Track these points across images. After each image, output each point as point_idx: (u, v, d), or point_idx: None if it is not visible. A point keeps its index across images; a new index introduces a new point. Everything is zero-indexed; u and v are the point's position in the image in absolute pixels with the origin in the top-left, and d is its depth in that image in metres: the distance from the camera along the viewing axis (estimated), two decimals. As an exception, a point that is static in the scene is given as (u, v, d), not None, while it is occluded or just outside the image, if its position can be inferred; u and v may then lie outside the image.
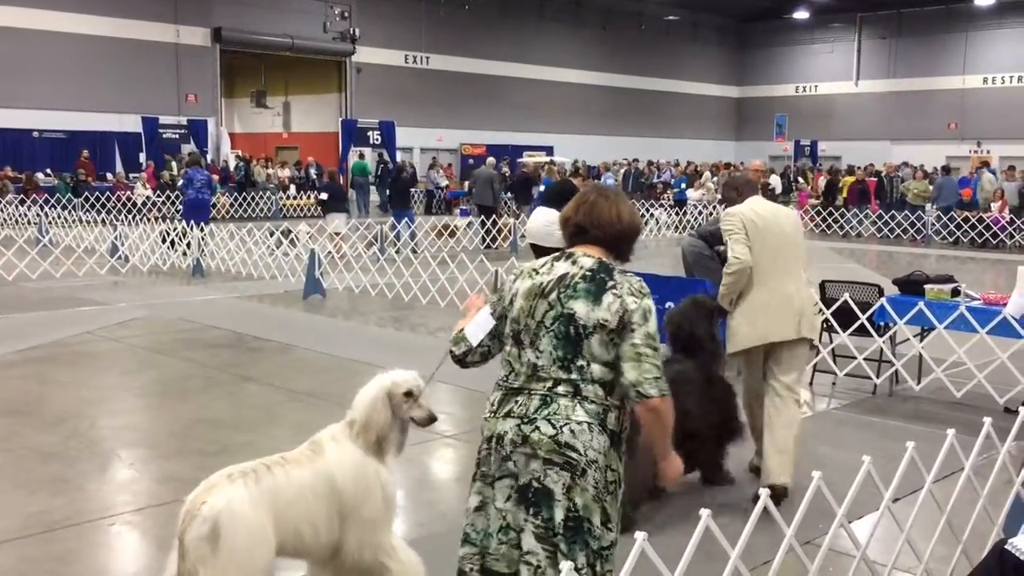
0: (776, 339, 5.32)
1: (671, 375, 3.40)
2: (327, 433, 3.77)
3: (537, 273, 3.16)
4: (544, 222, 11.31)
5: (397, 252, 16.46)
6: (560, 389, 3.02)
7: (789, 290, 5.38)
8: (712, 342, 5.64)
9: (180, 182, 20.04)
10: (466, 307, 3.45)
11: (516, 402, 3.07)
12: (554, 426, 2.98)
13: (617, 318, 2.99)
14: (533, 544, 3.04)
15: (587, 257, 3.13)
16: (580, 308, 3.02)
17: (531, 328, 3.08)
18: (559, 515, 2.99)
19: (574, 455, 2.98)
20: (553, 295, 3.07)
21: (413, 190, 25.84)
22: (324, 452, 3.69)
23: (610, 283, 3.04)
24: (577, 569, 2.93)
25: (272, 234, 16.23)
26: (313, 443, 3.75)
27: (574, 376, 3.01)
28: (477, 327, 3.26)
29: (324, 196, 18.26)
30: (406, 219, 18.75)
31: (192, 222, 15.59)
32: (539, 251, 10.94)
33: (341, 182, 20.41)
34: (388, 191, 23.20)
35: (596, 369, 3.01)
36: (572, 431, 2.97)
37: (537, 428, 3.00)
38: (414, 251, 16.73)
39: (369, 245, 17.05)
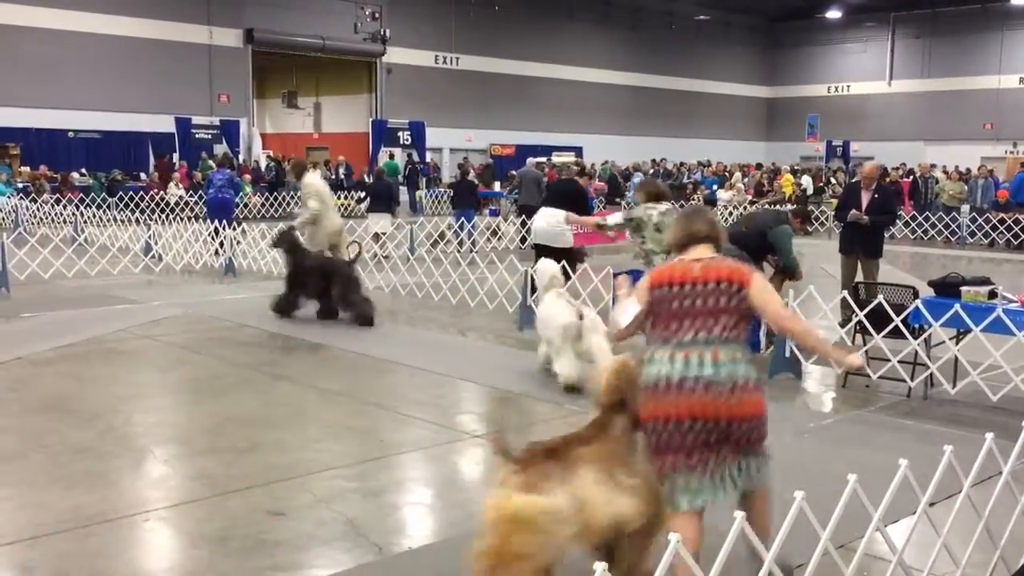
0: None
1: None
2: None
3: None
4: (551, 223, 11.27)
5: (460, 250, 16.95)
6: None
7: None
8: None
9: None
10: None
11: None
12: None
13: None
14: None
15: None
16: None
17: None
18: None
19: None
20: None
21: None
22: None
23: None
24: None
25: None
26: None
27: None
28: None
29: (362, 195, 18.31)
30: (463, 218, 18.83)
31: (217, 221, 15.77)
32: (545, 252, 10.93)
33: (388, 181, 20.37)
34: (452, 191, 23.24)
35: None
36: None
37: None
38: (465, 248, 17.01)
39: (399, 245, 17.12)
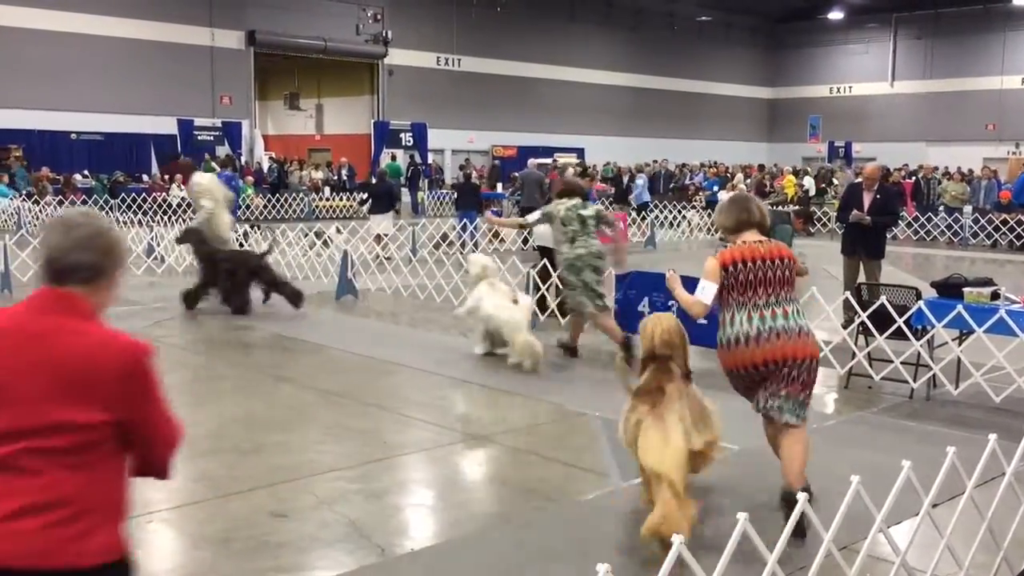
0: None
1: None
2: None
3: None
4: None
5: (462, 251, 16.94)
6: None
7: None
8: None
9: None
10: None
11: None
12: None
13: None
14: None
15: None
16: None
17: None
18: None
19: None
20: None
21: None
22: None
23: None
24: None
25: (306, 235, 16.34)
26: None
27: None
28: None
29: (364, 196, 18.33)
30: (466, 220, 18.85)
31: None
32: (548, 254, 10.95)
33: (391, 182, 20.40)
34: (455, 193, 23.30)
35: None
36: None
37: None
38: (468, 250, 17.02)
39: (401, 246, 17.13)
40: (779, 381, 4.88)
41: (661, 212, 24.08)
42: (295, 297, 11.51)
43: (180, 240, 12.44)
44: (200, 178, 12.98)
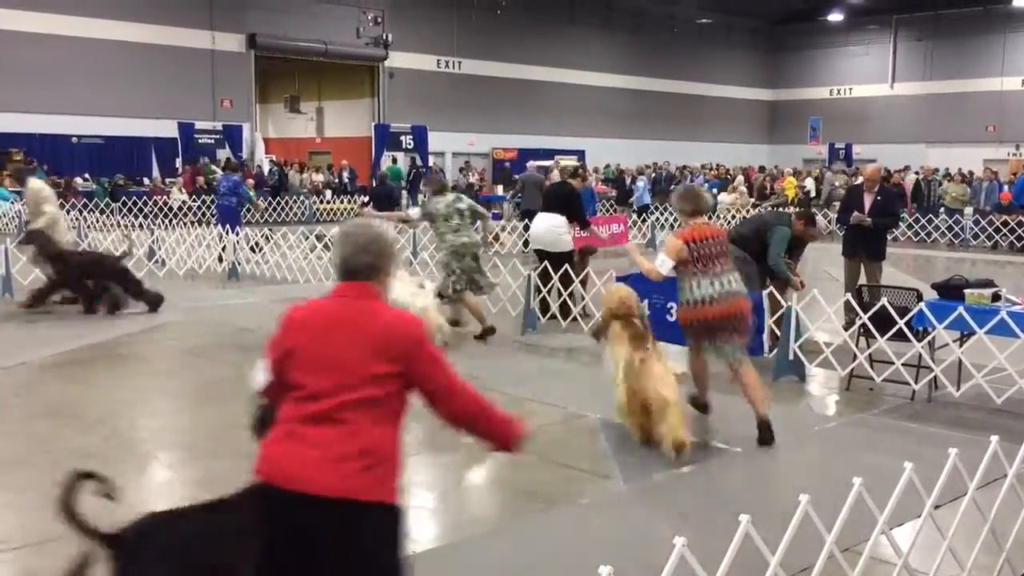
0: None
1: None
2: None
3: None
4: (549, 227, 11.40)
5: None
6: None
7: None
8: None
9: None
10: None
11: None
12: None
13: None
14: None
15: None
16: None
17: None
18: None
19: None
20: None
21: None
22: None
23: None
24: None
25: (307, 238, 16.35)
26: None
27: None
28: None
29: (365, 199, 18.34)
30: None
31: (223, 227, 15.81)
32: (544, 256, 10.98)
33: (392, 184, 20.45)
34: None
35: None
36: None
37: None
38: None
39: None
40: (728, 331, 6.42)
41: (662, 214, 24.10)
42: (154, 302, 11.46)
43: (25, 241, 12.25)
44: (37, 184, 12.75)
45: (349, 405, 2.90)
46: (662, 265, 6.42)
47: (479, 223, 10.35)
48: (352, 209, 27.63)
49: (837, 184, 28.94)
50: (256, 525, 2.94)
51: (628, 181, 29.44)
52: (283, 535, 2.89)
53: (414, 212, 10.88)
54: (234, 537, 3.13)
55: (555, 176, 17.83)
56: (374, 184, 23.74)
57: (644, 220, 23.96)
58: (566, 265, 10.73)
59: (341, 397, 2.90)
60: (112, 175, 27.24)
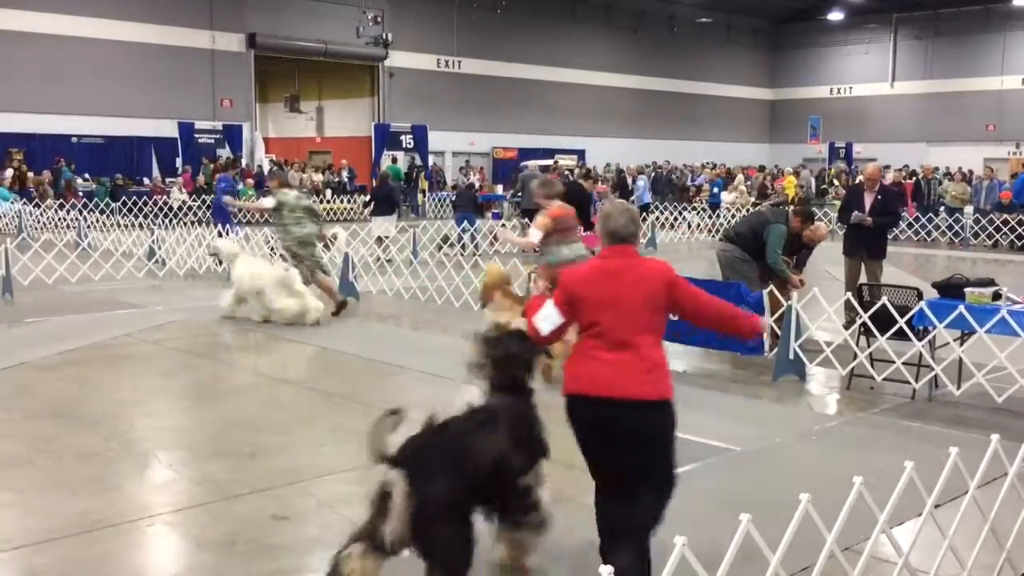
0: None
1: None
2: None
3: None
4: None
5: (463, 253, 17.01)
6: None
7: None
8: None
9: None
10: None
11: None
12: None
13: None
14: None
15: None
16: None
17: None
18: None
19: None
20: None
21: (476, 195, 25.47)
22: None
23: None
24: None
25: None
26: None
27: None
28: None
29: (367, 199, 18.34)
30: (465, 221, 18.87)
31: (219, 226, 15.87)
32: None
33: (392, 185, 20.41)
34: (455, 195, 23.34)
35: None
36: None
37: None
38: (468, 251, 17.05)
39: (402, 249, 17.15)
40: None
41: (662, 213, 24.10)
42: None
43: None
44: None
45: (634, 332, 3.89)
46: (533, 236, 8.14)
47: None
48: (351, 208, 27.65)
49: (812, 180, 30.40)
50: (494, 423, 4.07)
51: (630, 181, 29.39)
52: (592, 430, 3.99)
53: (268, 203, 12.00)
54: (487, 433, 4.03)
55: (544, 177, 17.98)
56: (375, 184, 23.70)
57: (644, 219, 23.95)
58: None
59: (626, 327, 3.89)
60: (112, 175, 27.24)
